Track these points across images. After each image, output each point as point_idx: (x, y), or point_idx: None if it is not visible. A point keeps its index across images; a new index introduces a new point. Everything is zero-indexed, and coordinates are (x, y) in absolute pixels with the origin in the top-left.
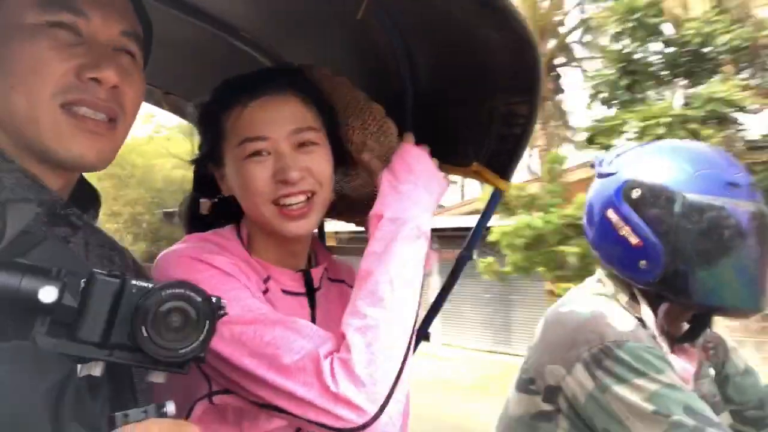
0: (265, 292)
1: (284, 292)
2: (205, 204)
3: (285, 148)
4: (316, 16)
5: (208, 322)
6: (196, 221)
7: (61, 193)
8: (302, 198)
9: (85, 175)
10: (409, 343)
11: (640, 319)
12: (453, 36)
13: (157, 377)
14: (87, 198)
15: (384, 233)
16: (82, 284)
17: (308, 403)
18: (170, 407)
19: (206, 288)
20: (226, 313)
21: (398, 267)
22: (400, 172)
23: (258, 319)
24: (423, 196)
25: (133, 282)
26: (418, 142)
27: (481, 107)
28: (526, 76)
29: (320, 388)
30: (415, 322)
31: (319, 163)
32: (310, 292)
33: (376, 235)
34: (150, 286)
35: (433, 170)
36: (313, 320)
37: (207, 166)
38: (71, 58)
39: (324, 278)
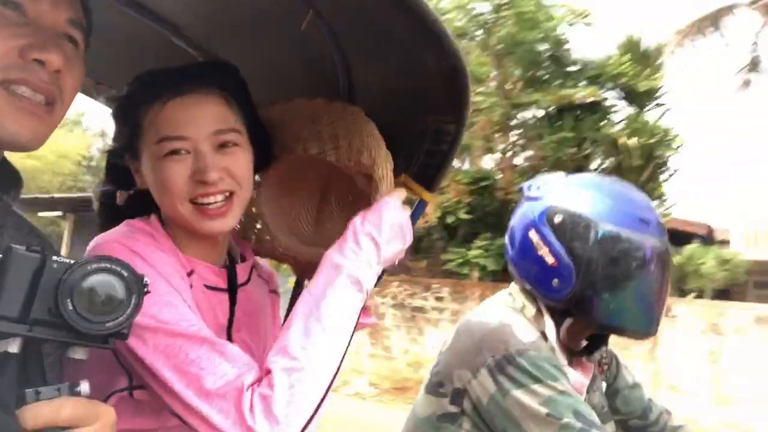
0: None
1: (206, 287)
2: (122, 195)
3: (205, 148)
4: (258, 21)
5: (135, 296)
6: (111, 212)
7: None
8: (220, 197)
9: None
10: (329, 388)
11: (543, 332)
12: (392, 55)
13: (79, 353)
14: (8, 179)
15: (326, 278)
16: None
17: (220, 431)
18: (84, 387)
19: None
20: (149, 291)
21: (332, 314)
22: (370, 221)
23: (186, 333)
24: (378, 252)
25: (55, 258)
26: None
27: (413, 124)
28: (456, 98)
29: (236, 420)
30: (339, 368)
31: (240, 164)
32: (232, 289)
33: (319, 277)
34: (72, 261)
35: (404, 229)
36: (231, 317)
37: (122, 158)
38: (16, 38)
39: (254, 274)
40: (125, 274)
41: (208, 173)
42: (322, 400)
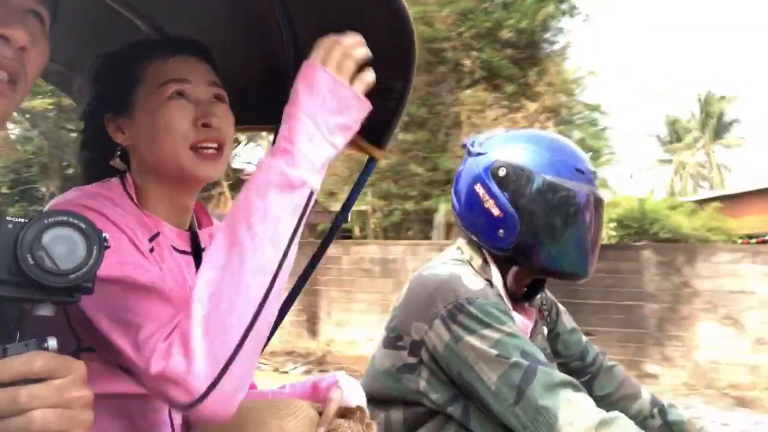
0: (152, 250)
1: (174, 249)
2: (115, 161)
3: (205, 95)
4: None
5: (95, 248)
6: (101, 174)
7: None
8: (215, 146)
9: None
10: (257, 313)
11: (489, 281)
12: (336, 10)
13: (46, 309)
14: None
15: (259, 179)
16: None
17: (146, 379)
18: (52, 342)
19: None
20: (109, 246)
21: (262, 222)
22: (303, 98)
23: (129, 277)
24: (320, 134)
25: (8, 218)
26: None
27: None
28: (402, 52)
29: (150, 368)
30: (271, 289)
31: (228, 119)
32: (197, 253)
33: (251, 179)
34: (28, 219)
35: (350, 99)
36: None
37: (101, 116)
38: None
39: (208, 241)
40: (83, 226)
41: (212, 117)
42: (250, 328)
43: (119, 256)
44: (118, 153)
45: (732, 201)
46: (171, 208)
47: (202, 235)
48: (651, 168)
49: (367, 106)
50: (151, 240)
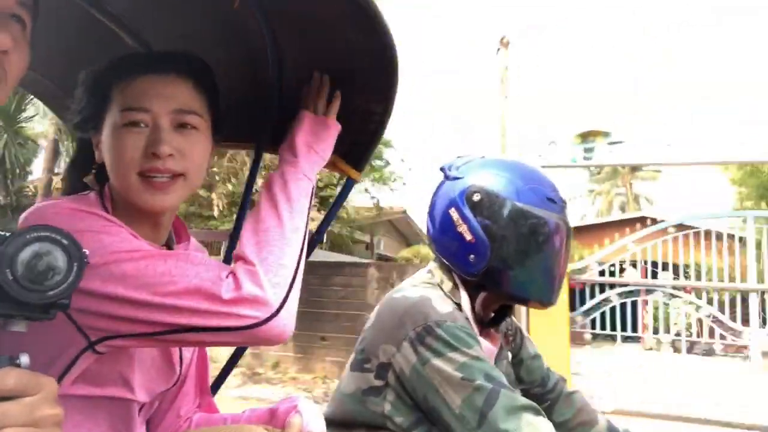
0: None
1: None
2: (88, 178)
3: (164, 123)
4: (188, 2)
5: (76, 265)
6: (80, 189)
7: None
8: (167, 175)
9: None
10: (299, 258)
11: (458, 304)
12: (321, 34)
13: (19, 326)
14: None
15: (281, 177)
16: None
17: (212, 312)
18: (24, 359)
19: (93, 234)
20: (89, 262)
21: (293, 200)
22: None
23: (148, 254)
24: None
25: None
26: (280, 131)
27: (342, 104)
28: (384, 77)
29: (222, 296)
30: (304, 243)
31: (194, 146)
32: None
33: (275, 178)
34: (7, 234)
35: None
36: None
37: (87, 131)
38: None
39: None
40: (65, 242)
41: (161, 146)
42: (297, 269)
43: (129, 241)
44: (93, 170)
45: (590, 230)
46: (140, 228)
47: (177, 249)
48: (581, 197)
49: (337, 126)
50: None
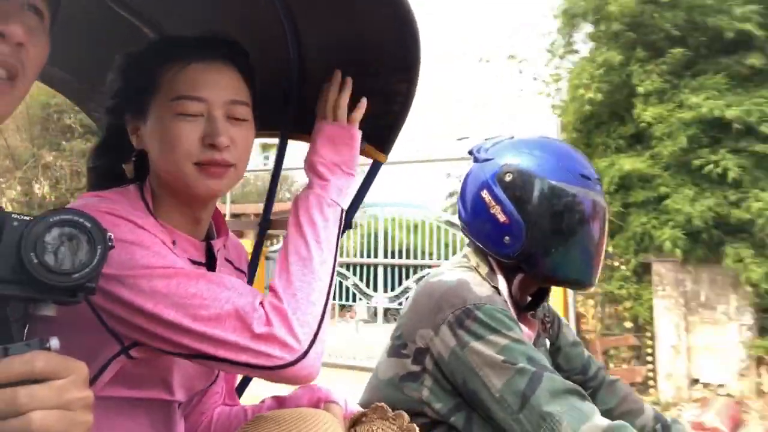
0: None
1: (189, 260)
2: (128, 166)
3: (218, 113)
4: None
5: (100, 248)
6: (111, 178)
7: None
8: (222, 165)
9: None
10: (328, 291)
11: (496, 288)
12: (340, 15)
13: (49, 310)
14: None
15: (309, 202)
16: None
17: (240, 347)
18: (54, 342)
19: (125, 245)
20: (113, 246)
21: (321, 229)
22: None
23: (180, 272)
24: (339, 170)
25: (14, 215)
26: (304, 117)
27: (363, 84)
28: (406, 55)
29: (253, 331)
30: (333, 274)
31: (245, 138)
32: (211, 264)
33: (302, 203)
34: (33, 216)
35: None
36: None
37: (121, 116)
38: None
39: (221, 253)
40: (88, 225)
41: (219, 137)
42: (326, 306)
43: (162, 256)
44: (134, 157)
45: None
46: (183, 220)
47: (217, 244)
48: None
49: (359, 134)
50: (172, 245)
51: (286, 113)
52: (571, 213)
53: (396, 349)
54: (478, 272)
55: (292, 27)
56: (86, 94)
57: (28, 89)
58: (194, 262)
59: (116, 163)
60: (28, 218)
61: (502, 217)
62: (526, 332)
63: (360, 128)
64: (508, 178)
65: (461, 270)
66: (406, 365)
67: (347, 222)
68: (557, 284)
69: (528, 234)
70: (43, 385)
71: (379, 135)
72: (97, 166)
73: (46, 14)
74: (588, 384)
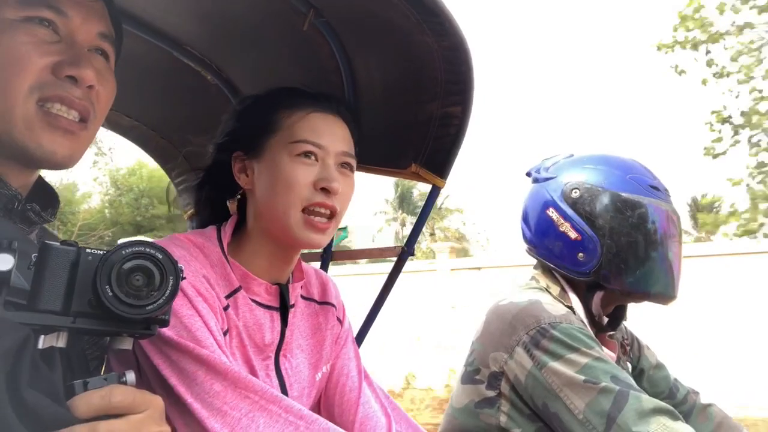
0: (226, 308)
1: (254, 302)
2: (232, 204)
3: (332, 162)
4: (260, 32)
5: (171, 278)
6: (216, 213)
7: (21, 191)
8: (328, 213)
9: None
10: None
11: (570, 307)
12: (392, 44)
13: (123, 343)
14: (46, 197)
15: None
16: (33, 258)
17: None
18: (130, 376)
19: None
20: (185, 277)
21: None
22: None
23: (207, 361)
24: None
25: (88, 250)
26: (362, 148)
27: (418, 111)
28: (459, 79)
29: None
30: None
31: (349, 189)
32: (284, 308)
33: None
34: (106, 250)
35: None
36: (282, 336)
37: (229, 154)
38: (49, 55)
39: (298, 295)
40: (160, 256)
41: (334, 182)
42: None
43: (177, 323)
44: (238, 196)
45: None
46: (269, 261)
47: (293, 288)
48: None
49: None
50: (229, 296)
51: None
52: (647, 224)
53: (469, 375)
54: (549, 293)
55: (348, 68)
56: (152, 140)
57: (97, 129)
58: (261, 304)
59: (217, 196)
60: (101, 252)
61: (573, 234)
62: (607, 353)
63: (417, 156)
64: (575, 194)
65: (531, 291)
66: (480, 391)
67: (410, 250)
68: (639, 299)
69: (603, 249)
70: (121, 419)
71: (436, 160)
72: (201, 198)
73: (111, 55)
74: (677, 409)
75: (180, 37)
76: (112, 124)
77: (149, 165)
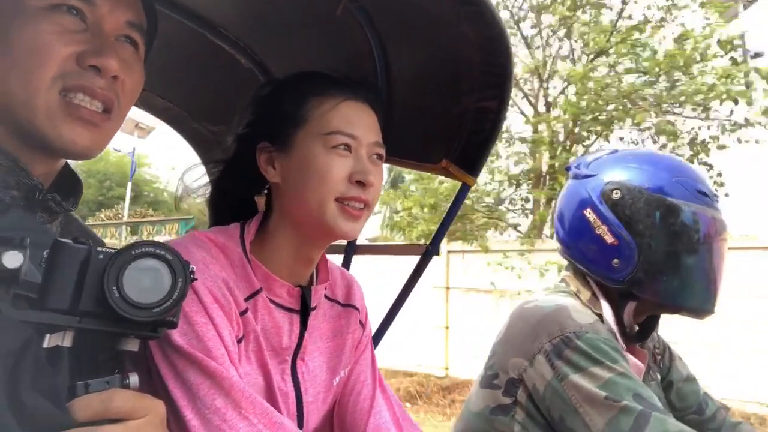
0: (245, 312)
1: (274, 303)
2: (260, 200)
3: (364, 153)
4: (295, 16)
5: (181, 281)
6: (231, 210)
7: (44, 179)
8: (362, 205)
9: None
10: None
11: (599, 315)
12: (428, 33)
13: (131, 345)
14: (69, 186)
15: None
16: (45, 255)
17: None
18: (134, 379)
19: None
20: (196, 278)
21: None
22: None
23: (217, 373)
24: None
25: (99, 248)
26: (392, 141)
27: (453, 104)
28: (497, 71)
29: None
30: None
31: (381, 180)
32: (305, 310)
33: None
34: (116, 249)
35: None
36: (300, 339)
37: (253, 145)
38: (73, 44)
39: (321, 296)
40: (170, 258)
41: (369, 175)
42: None
43: (189, 331)
44: (265, 191)
45: None
46: (293, 259)
47: (316, 291)
48: None
49: None
50: (248, 298)
51: None
52: (691, 232)
53: (488, 380)
54: (579, 298)
55: (379, 48)
56: (186, 121)
57: (122, 120)
58: (281, 306)
59: (239, 188)
60: (112, 251)
61: (609, 238)
62: (635, 364)
63: (449, 151)
64: (615, 195)
65: (560, 295)
66: (497, 397)
67: (435, 249)
68: (673, 311)
69: (641, 256)
70: (119, 425)
71: (468, 156)
72: (221, 189)
73: (141, 44)
74: (705, 425)
75: (214, 20)
76: (147, 105)
77: (114, 152)
